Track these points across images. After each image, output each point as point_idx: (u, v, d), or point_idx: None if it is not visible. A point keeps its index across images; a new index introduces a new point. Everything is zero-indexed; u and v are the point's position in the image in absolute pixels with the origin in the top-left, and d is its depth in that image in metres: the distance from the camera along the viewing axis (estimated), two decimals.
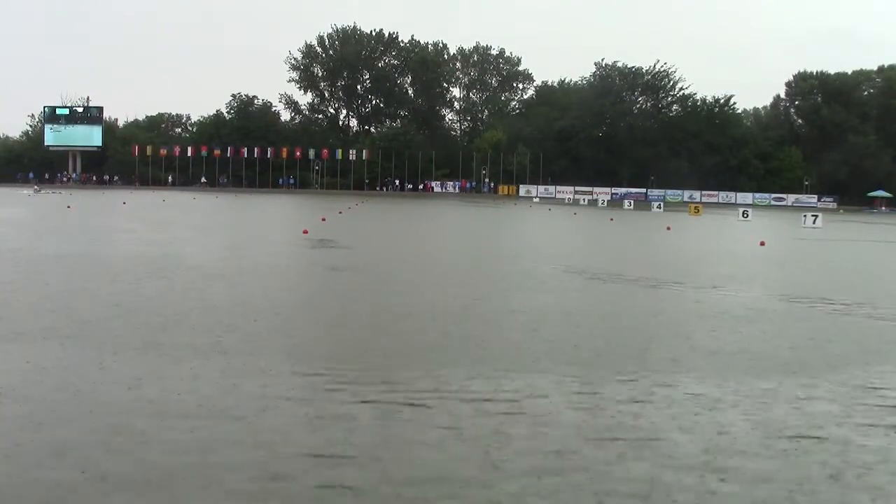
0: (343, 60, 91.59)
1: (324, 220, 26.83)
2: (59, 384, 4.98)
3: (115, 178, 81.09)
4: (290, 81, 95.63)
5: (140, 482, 3.44)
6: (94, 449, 3.83)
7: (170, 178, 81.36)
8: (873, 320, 8.49)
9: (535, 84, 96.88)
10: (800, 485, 3.60)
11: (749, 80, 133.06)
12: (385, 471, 3.66)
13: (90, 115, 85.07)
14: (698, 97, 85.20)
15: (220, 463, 3.69)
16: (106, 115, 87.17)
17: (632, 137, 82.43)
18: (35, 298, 8.43)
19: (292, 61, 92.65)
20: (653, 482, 3.58)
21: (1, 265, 11.79)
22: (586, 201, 66.09)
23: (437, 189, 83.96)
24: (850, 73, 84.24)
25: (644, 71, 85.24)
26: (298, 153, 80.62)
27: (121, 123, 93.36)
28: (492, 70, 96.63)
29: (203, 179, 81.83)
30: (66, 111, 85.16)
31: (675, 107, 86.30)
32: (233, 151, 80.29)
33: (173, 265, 12.01)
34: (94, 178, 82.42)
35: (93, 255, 13.75)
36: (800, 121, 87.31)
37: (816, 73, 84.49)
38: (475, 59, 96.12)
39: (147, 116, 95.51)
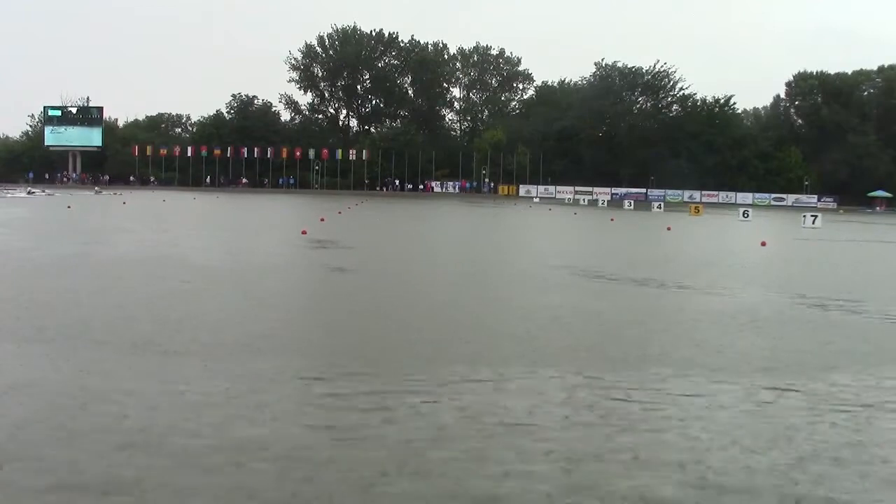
0: (343, 60, 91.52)
1: (323, 220, 26.82)
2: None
3: (153, 180, 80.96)
4: (290, 81, 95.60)
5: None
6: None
7: (207, 178, 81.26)
8: (875, 320, 8.49)
9: (535, 84, 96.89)
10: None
11: (749, 80, 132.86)
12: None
13: (90, 115, 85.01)
14: (698, 97, 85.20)
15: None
16: (106, 115, 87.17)
17: (632, 137, 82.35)
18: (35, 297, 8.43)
19: (292, 61, 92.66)
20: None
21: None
22: (586, 201, 66.08)
23: (437, 189, 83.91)
24: (850, 73, 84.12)
25: (644, 71, 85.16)
26: (298, 153, 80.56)
27: (121, 123, 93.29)
28: (492, 70, 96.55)
29: (245, 180, 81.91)
30: (66, 111, 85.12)
31: (675, 107, 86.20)
32: (233, 151, 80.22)
33: (178, 266, 12.02)
34: (93, 179, 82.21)
35: (91, 255, 13.75)
36: (800, 121, 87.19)
37: (816, 73, 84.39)
38: (475, 59, 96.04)
39: (147, 116, 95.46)
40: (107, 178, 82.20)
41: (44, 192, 50.91)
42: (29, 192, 49.31)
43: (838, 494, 3.53)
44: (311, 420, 4.43)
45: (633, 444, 4.13)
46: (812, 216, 33.13)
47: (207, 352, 6.02)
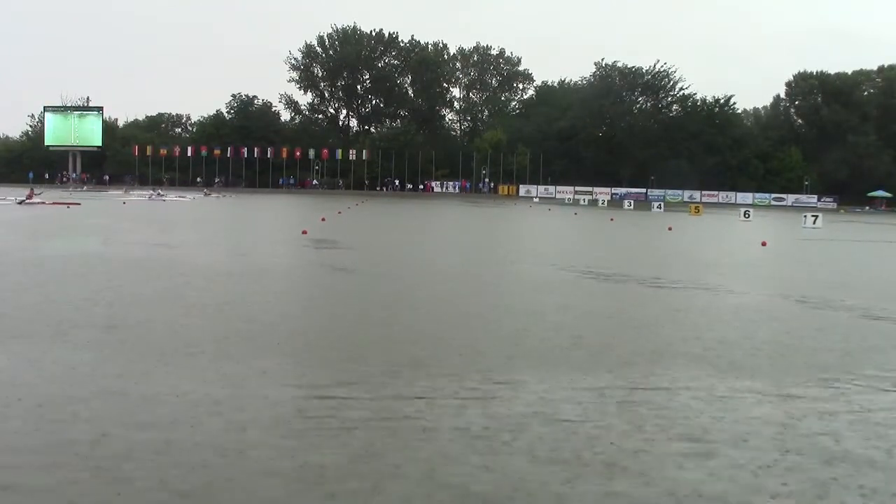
0: (343, 60, 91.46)
1: (323, 220, 26.80)
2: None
3: (219, 180, 79.88)
4: (290, 81, 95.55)
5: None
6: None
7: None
8: (874, 321, 8.49)
9: (535, 84, 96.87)
10: None
11: (749, 80, 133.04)
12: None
13: (90, 115, 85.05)
14: (698, 97, 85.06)
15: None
16: (106, 115, 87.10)
17: (632, 137, 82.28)
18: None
19: (292, 61, 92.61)
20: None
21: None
22: (586, 201, 66.06)
23: (437, 189, 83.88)
24: (850, 73, 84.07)
25: (644, 71, 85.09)
26: (298, 153, 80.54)
27: (121, 123, 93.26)
28: (492, 70, 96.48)
29: (315, 182, 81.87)
30: (66, 111, 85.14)
31: (675, 107, 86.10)
32: (233, 151, 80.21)
33: (179, 267, 12.02)
34: (94, 179, 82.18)
35: (92, 255, 13.75)
36: (800, 121, 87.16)
37: (816, 73, 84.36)
38: (475, 59, 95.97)
39: (147, 116, 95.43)
40: (107, 177, 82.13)
41: (160, 194, 49.17)
42: (158, 195, 48.06)
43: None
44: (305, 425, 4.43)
45: (644, 446, 4.13)
46: (813, 216, 33.12)
47: (214, 352, 6.02)
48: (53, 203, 33.86)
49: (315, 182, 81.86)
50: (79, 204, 34.56)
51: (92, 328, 6.80)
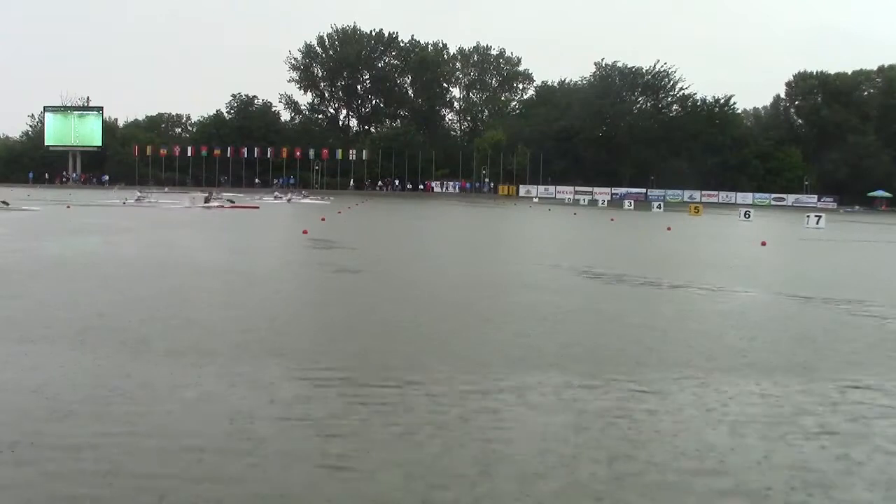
0: (343, 60, 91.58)
1: (323, 220, 26.77)
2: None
3: (289, 179, 78.90)
4: (290, 81, 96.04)
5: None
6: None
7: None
8: (880, 320, 8.46)
9: (535, 84, 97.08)
10: None
11: (749, 80, 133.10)
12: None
13: (90, 115, 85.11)
14: (698, 97, 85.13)
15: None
16: (106, 115, 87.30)
17: (632, 137, 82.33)
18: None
19: (292, 61, 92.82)
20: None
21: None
22: (586, 201, 66.02)
23: (437, 189, 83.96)
24: (850, 73, 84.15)
25: (644, 71, 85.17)
26: (298, 153, 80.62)
27: (121, 123, 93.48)
28: (492, 70, 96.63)
29: (376, 184, 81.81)
30: (66, 111, 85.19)
31: (675, 107, 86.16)
32: (233, 151, 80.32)
33: (179, 267, 11.99)
34: (95, 179, 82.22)
35: (95, 255, 13.72)
36: (800, 121, 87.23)
37: (816, 73, 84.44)
38: (475, 59, 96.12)
39: (147, 116, 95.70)
40: (106, 177, 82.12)
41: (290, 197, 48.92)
42: (276, 197, 48.18)
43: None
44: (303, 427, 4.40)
45: (640, 448, 4.10)
46: (816, 216, 33.05)
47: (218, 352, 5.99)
48: (233, 207, 34.24)
49: (375, 184, 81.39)
50: (258, 207, 34.67)
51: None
